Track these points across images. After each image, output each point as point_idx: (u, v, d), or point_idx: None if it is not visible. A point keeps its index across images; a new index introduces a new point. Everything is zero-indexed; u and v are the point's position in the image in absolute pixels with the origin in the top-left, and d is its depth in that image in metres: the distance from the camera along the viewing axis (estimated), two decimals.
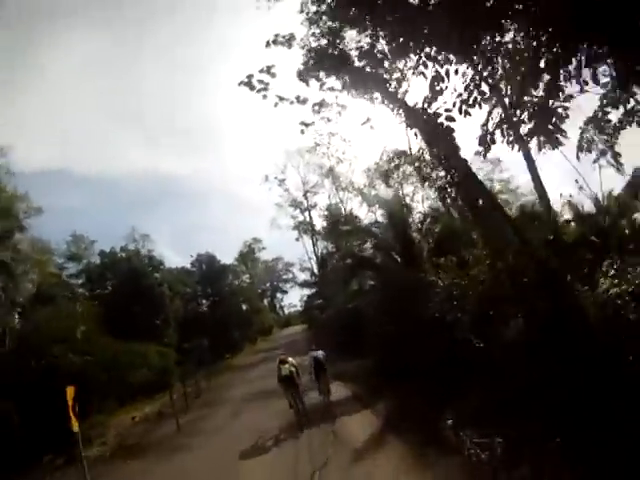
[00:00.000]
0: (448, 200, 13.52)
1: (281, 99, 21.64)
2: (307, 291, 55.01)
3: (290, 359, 14.50)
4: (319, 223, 51.18)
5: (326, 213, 49.71)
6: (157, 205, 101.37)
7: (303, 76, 18.43)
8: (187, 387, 24.41)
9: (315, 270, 51.57)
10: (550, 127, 6.23)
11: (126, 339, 30.63)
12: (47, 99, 69.86)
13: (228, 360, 43.65)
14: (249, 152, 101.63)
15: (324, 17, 15.51)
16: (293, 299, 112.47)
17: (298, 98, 21.27)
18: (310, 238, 52.51)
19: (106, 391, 20.90)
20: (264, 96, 21.08)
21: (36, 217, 29.25)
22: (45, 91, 68.29)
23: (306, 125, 23.80)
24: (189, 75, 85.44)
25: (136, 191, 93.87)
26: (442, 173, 14.19)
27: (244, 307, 55.37)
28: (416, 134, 14.52)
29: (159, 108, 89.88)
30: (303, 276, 61.91)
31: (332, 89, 18.66)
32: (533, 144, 7.19)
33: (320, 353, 15.13)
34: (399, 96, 15.44)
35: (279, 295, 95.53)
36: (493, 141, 6.88)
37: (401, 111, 14.90)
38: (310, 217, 52.23)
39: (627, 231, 13.10)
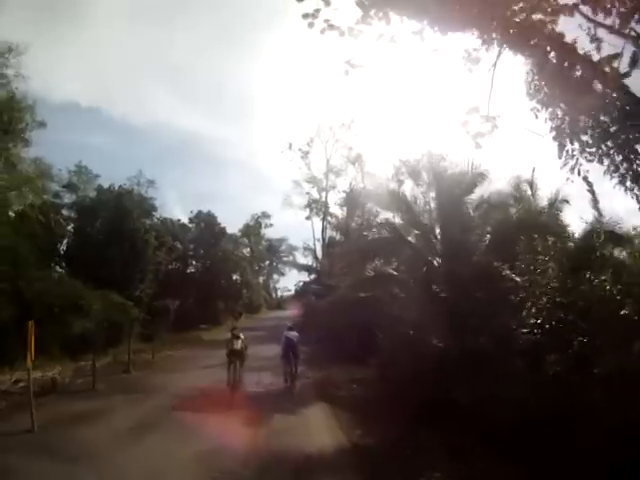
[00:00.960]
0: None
1: (331, 27, 15.77)
2: (305, 277, 50.11)
3: (242, 335, 15.21)
4: (335, 210, 46.10)
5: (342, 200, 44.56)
6: (177, 162, 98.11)
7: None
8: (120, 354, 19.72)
9: (319, 254, 45.95)
10: None
11: (96, 284, 25.55)
12: (91, 39, 67.15)
13: (201, 331, 37.98)
14: (279, 129, 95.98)
15: None
16: (289, 283, 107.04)
17: (351, 30, 15.55)
18: (321, 220, 46.90)
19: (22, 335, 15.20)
20: (310, 24, 15.33)
21: (38, 131, 25.87)
22: (90, 32, 65.31)
23: (352, 67, 18.21)
24: (234, 42, 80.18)
25: (160, 144, 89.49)
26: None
27: (235, 278, 49.42)
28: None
29: (199, 69, 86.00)
30: (304, 261, 56.45)
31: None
32: None
33: (294, 335, 14.90)
34: None
35: (275, 276, 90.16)
36: None
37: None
38: (326, 198, 46.71)
39: None
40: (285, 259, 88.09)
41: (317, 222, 48.06)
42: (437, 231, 13.45)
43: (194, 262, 48.02)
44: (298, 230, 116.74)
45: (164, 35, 71.61)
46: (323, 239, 45.40)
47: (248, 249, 78.44)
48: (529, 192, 16.74)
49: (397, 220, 15.35)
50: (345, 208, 45.01)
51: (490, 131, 12.09)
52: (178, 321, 36.30)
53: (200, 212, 49.22)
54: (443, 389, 8.21)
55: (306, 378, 15.20)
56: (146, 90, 76.17)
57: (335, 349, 19.33)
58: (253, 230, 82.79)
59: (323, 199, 46.48)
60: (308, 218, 47.54)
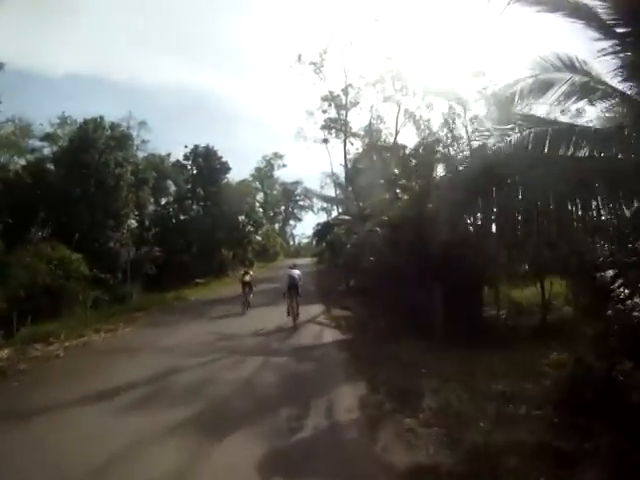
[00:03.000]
0: None
1: None
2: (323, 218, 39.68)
3: (251, 272, 19.38)
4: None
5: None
6: (184, 121, 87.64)
7: None
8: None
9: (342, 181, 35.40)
10: None
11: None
12: (87, 10, 59.52)
13: (194, 288, 26.99)
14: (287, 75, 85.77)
15: None
16: (306, 230, 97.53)
17: None
18: (342, 142, 35.90)
19: None
20: None
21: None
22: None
23: None
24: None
25: (165, 104, 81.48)
26: None
27: (242, 220, 38.64)
28: None
29: (199, 26, 74.94)
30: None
31: None
32: None
33: (297, 273, 14.52)
34: None
35: (292, 222, 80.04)
36: None
37: None
38: (346, 116, 35.67)
39: None
40: (301, 203, 78.38)
41: (337, 144, 37.48)
42: None
43: (194, 205, 37.56)
44: (313, 172, 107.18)
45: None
46: (346, 165, 34.59)
47: (261, 194, 68.90)
48: None
49: None
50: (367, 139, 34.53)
51: None
52: (167, 276, 26.60)
53: (197, 147, 38.39)
54: None
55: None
56: (151, 55, 71.51)
57: (405, 316, 9.64)
58: (265, 173, 72.56)
59: (343, 117, 35.33)
60: (325, 141, 36.58)
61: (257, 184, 68.04)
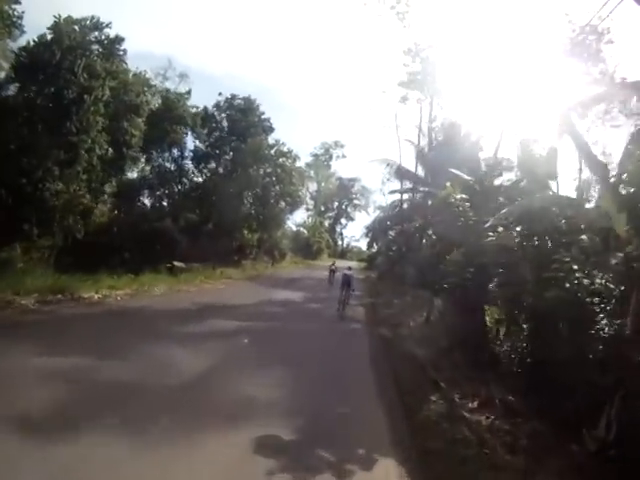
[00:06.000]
0: None
1: None
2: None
3: (336, 263, 23.95)
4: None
5: None
6: None
7: None
8: None
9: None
10: None
11: None
12: None
13: (145, 277, 15.05)
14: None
15: None
16: (357, 232, 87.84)
17: None
18: (429, 105, 24.59)
19: None
20: None
21: None
22: None
23: None
24: None
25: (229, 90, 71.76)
26: None
27: (277, 191, 27.29)
28: None
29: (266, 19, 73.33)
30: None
31: None
32: None
33: (350, 273, 14.97)
34: None
35: (344, 221, 70.70)
36: None
37: None
38: (435, 71, 24.33)
39: None
40: (356, 202, 69.62)
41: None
42: None
43: (219, 169, 27.21)
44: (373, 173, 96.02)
45: None
46: (430, 133, 23.23)
47: (315, 185, 58.99)
48: None
49: None
50: None
51: None
52: (140, 252, 16.30)
53: (234, 96, 28.10)
54: None
55: None
56: (217, 42, 68.62)
57: None
58: (322, 162, 62.82)
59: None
60: (403, 100, 25.38)
61: (311, 173, 58.18)
